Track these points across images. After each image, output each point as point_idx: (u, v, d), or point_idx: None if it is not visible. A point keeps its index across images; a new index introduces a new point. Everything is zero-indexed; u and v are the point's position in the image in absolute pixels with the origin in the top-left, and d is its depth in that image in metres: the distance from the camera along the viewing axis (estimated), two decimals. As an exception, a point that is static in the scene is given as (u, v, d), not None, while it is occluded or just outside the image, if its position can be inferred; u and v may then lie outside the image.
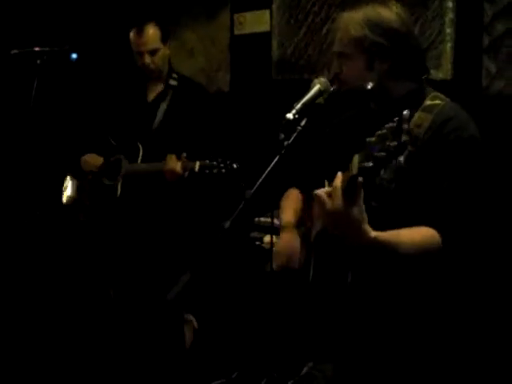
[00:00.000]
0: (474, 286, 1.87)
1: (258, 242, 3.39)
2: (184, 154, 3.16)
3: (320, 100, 1.83)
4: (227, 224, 1.59)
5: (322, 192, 1.56)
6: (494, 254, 2.78)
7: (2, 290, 3.68)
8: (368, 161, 1.40)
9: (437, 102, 1.82)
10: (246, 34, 4.15)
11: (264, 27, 4.05)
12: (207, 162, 3.09)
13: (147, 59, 3.35)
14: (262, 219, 3.47)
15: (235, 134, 3.19)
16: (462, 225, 1.72)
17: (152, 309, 3.30)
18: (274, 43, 3.99)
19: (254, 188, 1.68)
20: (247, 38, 4.15)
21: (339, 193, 1.49)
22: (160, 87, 3.48)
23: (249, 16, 4.13)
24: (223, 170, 3.08)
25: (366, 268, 1.79)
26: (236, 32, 4.19)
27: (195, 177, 3.15)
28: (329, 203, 1.52)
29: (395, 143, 1.37)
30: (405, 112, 1.40)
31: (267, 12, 4.01)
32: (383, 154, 1.38)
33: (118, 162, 3.41)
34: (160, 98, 3.46)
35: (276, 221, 3.27)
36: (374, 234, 1.56)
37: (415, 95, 1.86)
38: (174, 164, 3.14)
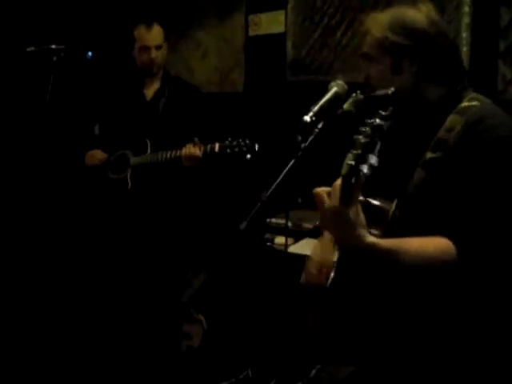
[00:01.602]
0: (496, 299, 1.76)
1: (269, 243, 3.40)
2: (196, 139, 3.21)
3: (351, 107, 1.80)
4: (243, 225, 1.59)
5: (321, 190, 1.55)
6: None
7: (7, 291, 3.71)
8: (352, 159, 1.40)
9: (473, 103, 1.73)
10: (260, 34, 4.15)
11: (279, 28, 4.05)
12: (227, 142, 3.15)
13: (154, 54, 3.45)
14: (274, 220, 3.48)
15: (249, 135, 3.18)
16: (481, 237, 1.59)
17: (163, 305, 3.32)
18: (289, 44, 4.00)
19: (270, 190, 1.68)
20: (262, 38, 4.15)
21: (337, 192, 1.46)
22: (157, 84, 3.57)
23: (264, 17, 4.13)
24: (244, 149, 3.13)
25: (383, 277, 1.76)
26: (251, 33, 4.20)
27: (215, 158, 3.20)
28: (327, 201, 1.52)
29: (368, 140, 1.39)
30: (389, 108, 1.42)
31: (282, 13, 4.02)
32: (359, 151, 1.39)
33: (123, 156, 3.47)
34: (159, 94, 3.55)
35: (289, 222, 3.29)
36: (371, 239, 1.52)
37: (450, 98, 1.78)
38: (193, 149, 3.20)
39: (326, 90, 1.86)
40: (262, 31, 4.15)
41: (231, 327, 3.52)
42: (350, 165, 1.40)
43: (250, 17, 4.19)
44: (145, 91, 3.58)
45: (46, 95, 3.17)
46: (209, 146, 3.19)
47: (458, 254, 1.58)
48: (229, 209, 3.61)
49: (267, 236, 3.40)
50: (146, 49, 3.44)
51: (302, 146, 1.72)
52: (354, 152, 1.40)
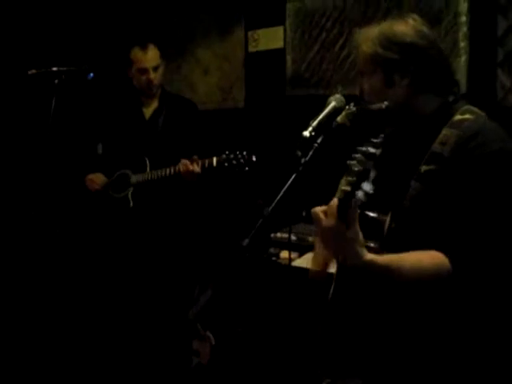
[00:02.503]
0: (494, 311, 1.77)
1: (274, 258, 3.40)
2: (195, 156, 3.23)
3: (345, 120, 1.81)
4: (246, 241, 1.59)
5: (318, 210, 1.55)
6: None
7: (14, 291, 3.74)
8: (347, 185, 1.43)
9: (466, 116, 1.74)
10: (260, 50, 4.18)
11: (278, 44, 4.08)
12: (224, 156, 3.16)
13: (152, 75, 3.46)
14: (279, 235, 3.48)
15: (250, 149, 3.19)
16: (474, 251, 1.61)
17: (171, 323, 3.32)
18: (288, 59, 4.02)
19: (272, 205, 1.69)
20: (261, 54, 4.18)
21: (334, 211, 1.49)
22: (155, 103, 3.59)
23: (263, 33, 4.16)
24: (242, 161, 3.14)
25: (382, 290, 1.77)
26: (250, 49, 4.23)
27: (214, 172, 3.21)
28: (324, 221, 1.52)
29: (361, 168, 1.42)
30: (381, 135, 1.45)
31: (281, 29, 4.05)
32: (354, 179, 1.42)
33: (124, 175, 3.50)
34: (157, 112, 3.57)
35: (293, 236, 3.29)
36: (369, 256, 1.54)
37: (443, 110, 1.79)
38: (191, 166, 3.21)
39: (325, 105, 1.87)
40: (261, 47, 4.18)
41: (239, 343, 3.51)
42: (346, 191, 1.44)
43: (250, 33, 4.22)
44: (144, 110, 3.60)
45: (48, 117, 3.19)
46: (207, 161, 3.20)
47: (452, 267, 1.60)
48: (232, 223, 3.61)
49: (272, 251, 3.40)
50: (143, 71, 3.46)
51: (303, 160, 1.73)
52: (349, 179, 1.43)
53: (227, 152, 3.16)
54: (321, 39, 3.84)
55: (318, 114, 1.82)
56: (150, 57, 3.46)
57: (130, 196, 3.44)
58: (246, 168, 3.14)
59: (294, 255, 3.19)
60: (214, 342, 3.57)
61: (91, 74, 3.38)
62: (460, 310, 1.69)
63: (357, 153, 1.46)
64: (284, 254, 3.36)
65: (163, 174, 3.32)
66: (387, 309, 1.76)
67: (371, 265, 1.55)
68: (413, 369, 1.75)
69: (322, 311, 1.99)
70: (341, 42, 3.73)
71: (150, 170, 3.41)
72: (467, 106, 1.79)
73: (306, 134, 1.75)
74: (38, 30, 4.33)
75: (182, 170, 3.24)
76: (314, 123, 1.78)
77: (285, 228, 3.42)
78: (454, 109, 1.78)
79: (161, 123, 3.55)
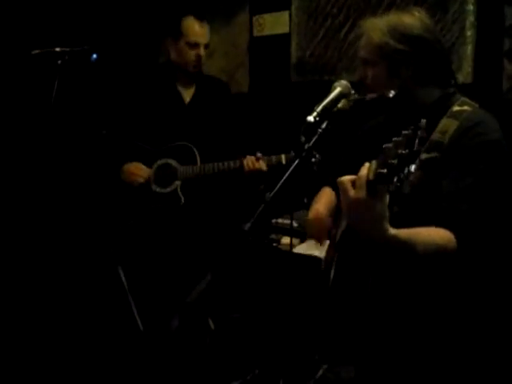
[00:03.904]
0: (494, 289, 1.84)
1: (275, 244, 3.40)
2: (259, 154, 3.07)
3: (345, 106, 1.83)
4: (247, 226, 1.59)
5: (346, 179, 1.51)
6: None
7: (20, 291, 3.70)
8: (383, 167, 1.37)
9: (465, 108, 1.82)
10: (265, 35, 4.16)
11: (283, 29, 4.06)
12: (292, 154, 2.96)
13: (203, 52, 3.21)
14: (280, 221, 3.48)
15: (254, 135, 3.18)
16: (478, 228, 1.70)
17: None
18: (293, 45, 4.00)
19: (274, 190, 1.68)
20: (266, 39, 4.16)
21: (364, 183, 1.44)
22: (193, 87, 3.33)
23: (268, 18, 4.14)
24: (313, 160, 2.99)
25: (386, 273, 1.78)
26: (255, 34, 4.21)
27: (280, 170, 2.96)
28: (352, 191, 1.48)
29: (407, 151, 1.35)
30: (423, 120, 1.39)
31: (286, 14, 4.02)
32: (395, 161, 1.35)
33: (166, 166, 3.21)
34: (197, 97, 3.32)
35: (294, 223, 3.29)
36: (393, 231, 1.54)
37: (442, 101, 1.86)
38: (258, 164, 3.06)
39: (330, 90, 1.87)
40: (266, 32, 4.16)
41: (238, 328, 3.52)
42: (381, 173, 1.38)
43: (255, 18, 4.20)
44: (182, 92, 3.31)
45: (51, 98, 3.16)
46: (273, 158, 3.05)
47: (457, 242, 1.66)
48: (233, 208, 3.50)
49: (273, 237, 3.40)
50: (195, 45, 3.17)
51: (306, 146, 1.73)
52: (390, 161, 1.36)
53: (293, 152, 2.90)
54: (326, 25, 3.82)
55: (323, 100, 1.82)
56: (206, 32, 3.20)
57: (179, 191, 3.16)
58: (315, 168, 3.00)
59: (295, 241, 3.20)
60: (213, 327, 3.58)
61: (94, 55, 3.31)
62: (461, 293, 1.74)
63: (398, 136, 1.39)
64: (285, 240, 3.36)
65: (220, 168, 3.09)
66: (386, 293, 1.78)
67: (395, 239, 1.54)
68: (412, 356, 1.77)
69: (321, 298, 2.00)
70: (346, 28, 3.71)
71: (201, 161, 3.14)
72: (464, 98, 1.88)
73: (311, 118, 1.76)
74: (43, 9, 4.30)
75: (246, 167, 3.05)
76: (319, 108, 1.79)
77: (286, 214, 3.42)
78: (452, 100, 1.86)
79: (203, 108, 3.28)
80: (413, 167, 1.37)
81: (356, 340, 1.86)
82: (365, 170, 1.46)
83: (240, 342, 3.43)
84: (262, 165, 3.05)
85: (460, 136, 1.75)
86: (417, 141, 1.37)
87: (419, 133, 1.37)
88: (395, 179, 1.36)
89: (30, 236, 3.72)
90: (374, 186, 1.42)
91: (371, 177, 1.42)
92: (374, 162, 1.42)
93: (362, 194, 1.45)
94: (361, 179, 1.46)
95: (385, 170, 1.37)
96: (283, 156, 3.04)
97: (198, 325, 3.41)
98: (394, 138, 1.38)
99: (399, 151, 1.35)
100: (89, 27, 4.40)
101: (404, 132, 1.38)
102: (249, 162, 3.06)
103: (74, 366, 3.25)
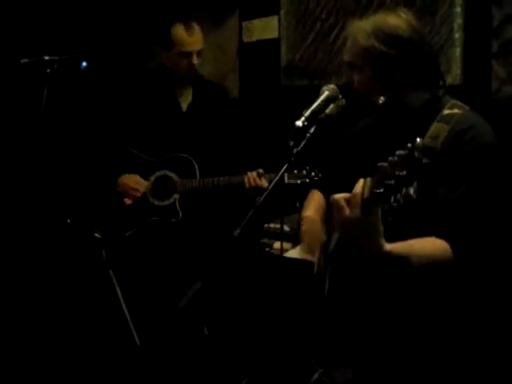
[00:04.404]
0: (490, 298, 1.82)
1: (267, 249, 3.39)
2: (261, 170, 3.03)
3: (333, 112, 1.81)
4: (237, 232, 1.59)
5: (339, 197, 1.50)
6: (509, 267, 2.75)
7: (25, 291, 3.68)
8: (379, 187, 1.35)
9: (455, 111, 1.78)
10: (254, 40, 4.16)
11: (272, 34, 4.06)
12: (295, 172, 2.95)
13: (195, 60, 3.11)
14: (272, 225, 3.47)
15: (245, 140, 3.16)
16: (474, 237, 1.67)
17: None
18: (283, 49, 4.00)
19: (264, 195, 1.68)
20: (256, 44, 4.16)
21: (359, 201, 1.44)
22: (190, 92, 3.25)
23: (257, 23, 4.14)
24: (307, 180, 2.94)
25: (381, 283, 1.77)
26: (245, 39, 4.21)
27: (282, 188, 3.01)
28: (347, 210, 1.47)
29: (405, 173, 1.32)
30: (418, 140, 1.34)
31: (275, 18, 4.02)
32: (392, 182, 1.33)
33: (164, 178, 3.14)
34: (194, 105, 3.24)
35: (286, 227, 3.28)
36: (388, 247, 1.54)
37: (432, 105, 1.82)
38: (259, 181, 3.01)
39: (318, 94, 1.87)
40: (255, 37, 4.16)
41: (231, 333, 3.51)
42: (377, 192, 1.37)
43: (244, 23, 4.20)
44: (179, 97, 3.23)
45: (40, 107, 3.13)
46: (275, 176, 2.98)
47: (453, 252, 1.63)
48: (224, 213, 3.45)
49: (265, 241, 3.39)
50: (185, 55, 3.08)
51: (295, 150, 1.72)
52: (387, 182, 1.34)
53: (296, 170, 2.93)
54: (315, 29, 3.82)
55: (311, 104, 1.81)
56: (196, 39, 3.09)
57: (177, 205, 3.09)
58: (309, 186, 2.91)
59: (287, 246, 3.18)
60: (206, 332, 3.57)
61: (84, 63, 3.28)
62: (458, 297, 1.72)
63: (393, 156, 1.36)
64: (277, 245, 3.35)
65: (220, 183, 3.03)
66: (382, 300, 1.77)
67: (389, 255, 1.55)
68: (409, 359, 1.76)
69: (316, 302, 1.99)
70: (335, 31, 3.72)
71: (200, 175, 3.06)
72: (453, 101, 1.83)
73: (299, 123, 1.75)
74: (31, 17, 4.29)
75: (247, 184, 3.01)
76: (307, 113, 1.78)
77: (278, 219, 3.41)
78: (442, 103, 1.82)
79: (200, 115, 3.20)
80: (411, 190, 1.34)
81: (353, 344, 1.85)
82: (359, 187, 1.45)
83: (233, 346, 3.42)
84: (264, 182, 3.01)
85: (453, 141, 1.70)
86: (414, 162, 1.33)
87: (416, 154, 1.34)
88: (392, 199, 1.35)
89: (24, 246, 3.73)
90: (369, 204, 1.42)
91: (366, 195, 1.41)
92: (368, 180, 1.41)
93: (357, 212, 1.44)
94: (356, 197, 1.45)
95: (381, 190, 1.35)
96: (286, 174, 3.00)
97: (192, 331, 3.40)
98: (390, 158, 1.35)
99: (396, 172, 1.32)
100: (77, 35, 4.40)
101: (399, 152, 1.34)
102: (250, 178, 3.02)
103: (67, 372, 3.24)
